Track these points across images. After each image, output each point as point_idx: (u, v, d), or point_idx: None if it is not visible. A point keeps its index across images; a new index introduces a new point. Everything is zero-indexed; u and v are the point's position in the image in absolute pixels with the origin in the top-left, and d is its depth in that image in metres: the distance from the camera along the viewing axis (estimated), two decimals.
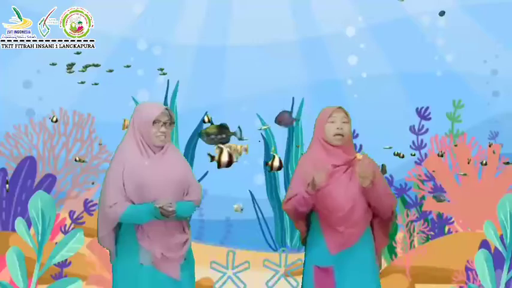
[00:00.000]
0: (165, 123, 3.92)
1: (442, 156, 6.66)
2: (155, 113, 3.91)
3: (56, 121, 6.88)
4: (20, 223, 4.44)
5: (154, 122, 3.89)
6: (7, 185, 5.23)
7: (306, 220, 4.18)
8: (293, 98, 7.53)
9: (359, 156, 4.10)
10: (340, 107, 4.13)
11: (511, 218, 4.50)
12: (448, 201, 6.62)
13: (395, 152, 6.76)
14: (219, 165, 4.81)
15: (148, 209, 3.81)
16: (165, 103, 7.29)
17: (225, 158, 4.76)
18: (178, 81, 7.41)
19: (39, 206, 4.38)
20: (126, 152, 3.93)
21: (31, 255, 4.60)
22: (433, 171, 6.59)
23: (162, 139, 3.91)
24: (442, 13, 7.57)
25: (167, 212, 3.80)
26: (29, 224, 4.54)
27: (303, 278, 4.14)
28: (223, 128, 5.12)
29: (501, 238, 4.59)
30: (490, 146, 6.74)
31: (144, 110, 3.98)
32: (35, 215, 4.38)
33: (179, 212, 3.83)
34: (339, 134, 4.05)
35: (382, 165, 5.99)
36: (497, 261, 4.71)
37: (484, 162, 6.68)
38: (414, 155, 6.82)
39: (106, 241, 3.97)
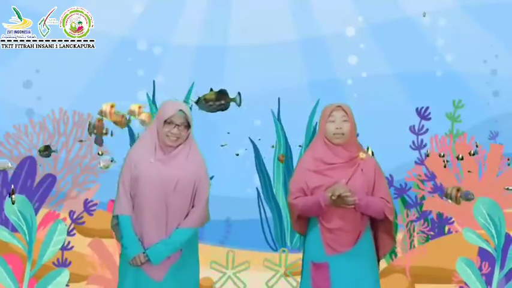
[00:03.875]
0: (178, 125, 3.89)
1: (443, 156, 6.63)
2: (168, 113, 3.89)
3: (111, 134, 6.84)
4: None
5: (166, 122, 3.88)
6: (12, 196, 5.20)
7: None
8: (279, 99, 7.56)
9: (362, 155, 4.12)
10: (339, 106, 4.15)
11: (491, 219, 4.53)
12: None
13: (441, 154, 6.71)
14: None
15: (132, 243, 3.82)
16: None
17: None
18: (193, 83, 7.41)
19: (16, 208, 4.38)
20: (139, 145, 3.95)
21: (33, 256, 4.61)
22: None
23: (173, 140, 3.88)
24: (424, 14, 7.64)
25: (136, 262, 3.82)
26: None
27: (301, 272, 4.17)
28: (222, 94, 5.16)
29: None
30: (477, 146, 6.72)
31: (162, 107, 3.99)
32: (16, 218, 4.38)
33: (155, 261, 3.80)
34: (339, 133, 4.09)
35: None
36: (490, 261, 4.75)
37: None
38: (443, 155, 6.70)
39: (116, 231, 3.99)
